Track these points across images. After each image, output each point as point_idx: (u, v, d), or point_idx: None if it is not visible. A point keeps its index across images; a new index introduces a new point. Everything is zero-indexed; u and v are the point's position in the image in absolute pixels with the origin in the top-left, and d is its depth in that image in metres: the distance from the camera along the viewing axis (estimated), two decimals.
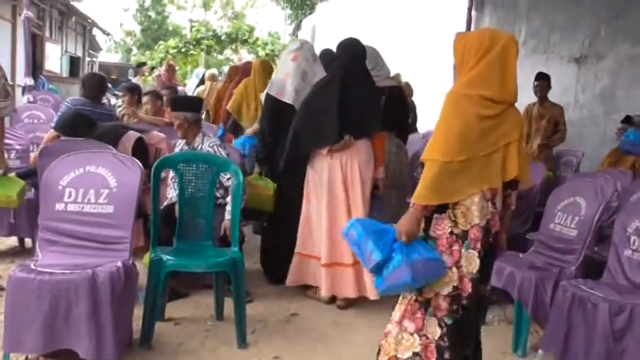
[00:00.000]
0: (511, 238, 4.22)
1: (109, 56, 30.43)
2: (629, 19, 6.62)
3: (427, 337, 2.48)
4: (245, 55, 18.45)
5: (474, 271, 2.45)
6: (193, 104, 4.27)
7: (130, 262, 3.03)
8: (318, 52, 4.61)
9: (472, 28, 10.08)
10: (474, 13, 10.14)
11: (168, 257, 3.27)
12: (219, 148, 4.00)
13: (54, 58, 15.08)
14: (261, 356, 3.22)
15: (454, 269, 2.44)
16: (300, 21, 21.81)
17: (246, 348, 3.31)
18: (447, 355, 2.46)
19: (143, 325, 3.23)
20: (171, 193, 4.10)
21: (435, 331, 2.47)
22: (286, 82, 4.25)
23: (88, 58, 20.87)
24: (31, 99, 8.76)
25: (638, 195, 4.04)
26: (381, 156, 4.02)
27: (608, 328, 2.81)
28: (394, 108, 4.32)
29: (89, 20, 19.06)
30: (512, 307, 3.69)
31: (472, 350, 2.62)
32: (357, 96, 3.81)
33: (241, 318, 3.33)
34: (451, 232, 2.46)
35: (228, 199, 3.75)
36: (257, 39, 20.06)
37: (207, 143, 4.02)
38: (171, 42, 19.88)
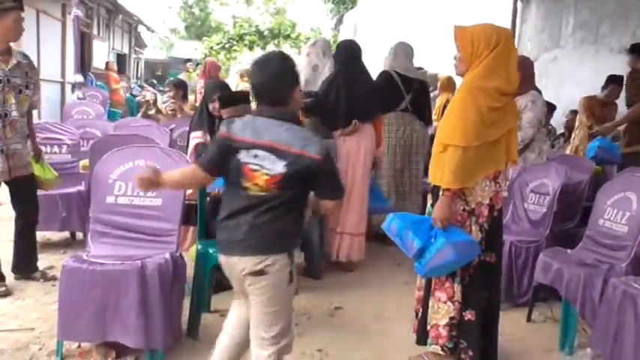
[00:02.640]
0: (558, 233, 4.22)
1: (154, 53, 30.98)
2: None
3: (459, 302, 2.86)
4: (287, 51, 18.52)
5: (478, 242, 2.81)
6: (246, 96, 4.30)
7: (178, 254, 3.09)
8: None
9: (518, 20, 9.92)
10: (519, 4, 9.96)
11: (215, 250, 3.32)
12: None
13: (101, 56, 15.44)
14: (304, 349, 3.25)
15: None
16: (342, 15, 21.77)
17: None
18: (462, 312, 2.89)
19: (190, 316, 3.30)
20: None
21: (460, 293, 2.87)
22: (299, 74, 4.62)
23: (134, 55, 21.29)
24: (81, 95, 9.02)
25: None
26: (380, 137, 4.69)
27: None
28: (422, 97, 5.19)
29: (135, 18, 19.43)
30: (559, 304, 3.62)
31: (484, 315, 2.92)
32: (359, 88, 4.47)
33: None
34: (463, 210, 2.83)
35: None
36: (299, 34, 20.14)
37: None
38: (215, 38, 20.11)
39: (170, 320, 2.97)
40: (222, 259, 2.39)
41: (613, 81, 6.12)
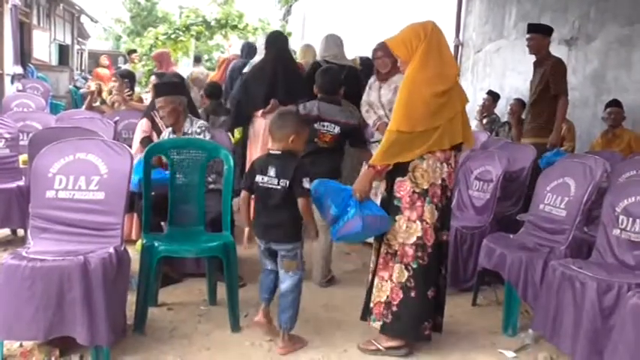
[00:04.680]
0: (502, 219, 4.34)
1: (98, 44, 30.20)
2: (618, 1, 6.62)
3: (393, 282, 3.04)
4: (235, 41, 18.32)
5: (435, 221, 3.01)
6: (184, 87, 4.25)
7: (122, 248, 3.03)
8: (307, 39, 5.45)
9: (463, 11, 10.08)
10: None
11: (160, 243, 3.28)
12: (206, 132, 4.01)
13: (42, 46, 14.93)
14: (254, 339, 3.25)
15: (417, 222, 3.00)
16: (290, 6, 21.65)
17: (239, 332, 3.34)
18: (412, 294, 3.01)
19: (136, 311, 3.25)
20: None
21: (402, 274, 3.02)
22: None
23: (77, 46, 20.71)
24: (20, 87, 8.72)
25: (627, 175, 4.08)
26: None
27: (596, 307, 2.84)
28: (352, 83, 5.24)
29: (77, 7, 18.89)
30: (502, 288, 3.71)
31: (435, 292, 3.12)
32: (283, 74, 4.99)
33: (234, 302, 3.35)
34: (413, 192, 3.00)
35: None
36: (247, 25, 19.88)
37: (197, 126, 4.01)
38: (161, 29, 19.68)
39: (115, 315, 2.92)
40: None
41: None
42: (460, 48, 10.15)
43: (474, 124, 8.13)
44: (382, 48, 4.52)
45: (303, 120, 3.30)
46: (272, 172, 3.01)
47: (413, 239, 3.00)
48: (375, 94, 4.71)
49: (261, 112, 4.98)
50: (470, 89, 9.79)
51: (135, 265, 3.33)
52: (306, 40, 16.39)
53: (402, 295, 3.02)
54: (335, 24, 14.64)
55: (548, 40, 5.38)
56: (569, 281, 3.00)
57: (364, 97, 4.84)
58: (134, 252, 3.65)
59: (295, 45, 13.44)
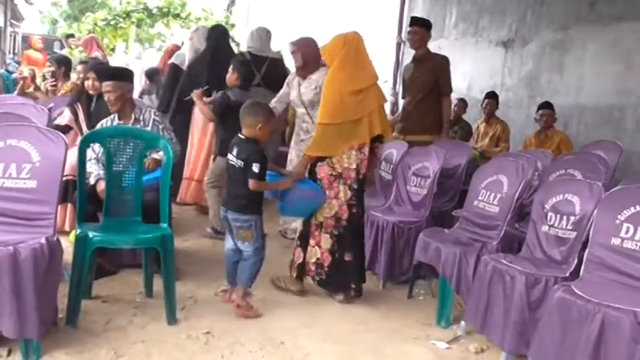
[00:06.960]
0: (438, 214, 4.45)
1: (33, 27, 29.01)
2: (553, 6, 6.88)
3: (321, 247, 3.73)
4: (177, 30, 17.99)
5: (347, 199, 3.69)
6: (131, 74, 4.16)
7: (55, 238, 2.93)
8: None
9: (405, 10, 10.23)
10: None
11: (95, 233, 3.20)
12: (166, 131, 3.98)
13: None
14: (191, 332, 3.22)
15: (334, 200, 3.70)
16: None
17: (176, 324, 3.30)
18: (337, 255, 3.71)
19: (69, 304, 3.16)
20: (97, 169, 3.96)
21: (327, 242, 3.71)
22: (185, 56, 6.01)
23: (10, 29, 19.84)
24: None
25: (556, 175, 4.26)
26: None
27: (524, 299, 2.96)
28: (274, 73, 5.70)
29: None
30: (437, 281, 3.81)
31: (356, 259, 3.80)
32: (223, 62, 5.22)
33: (170, 294, 3.31)
34: (331, 174, 3.69)
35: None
36: (189, 14, 19.56)
37: (153, 114, 4.01)
38: (100, 14, 19.12)
39: (46, 308, 2.83)
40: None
41: (488, 97, 6.54)
42: (402, 46, 10.29)
43: None
44: (295, 44, 4.65)
45: (271, 112, 3.67)
46: (235, 151, 3.49)
47: (332, 213, 3.69)
48: (295, 92, 4.75)
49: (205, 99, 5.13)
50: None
51: (68, 256, 3.25)
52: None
53: (330, 259, 3.70)
54: (279, 15, 14.60)
55: (430, 36, 5.60)
56: (499, 275, 3.11)
57: (281, 91, 4.93)
58: (67, 243, 3.56)
59: (240, 36, 13.33)
